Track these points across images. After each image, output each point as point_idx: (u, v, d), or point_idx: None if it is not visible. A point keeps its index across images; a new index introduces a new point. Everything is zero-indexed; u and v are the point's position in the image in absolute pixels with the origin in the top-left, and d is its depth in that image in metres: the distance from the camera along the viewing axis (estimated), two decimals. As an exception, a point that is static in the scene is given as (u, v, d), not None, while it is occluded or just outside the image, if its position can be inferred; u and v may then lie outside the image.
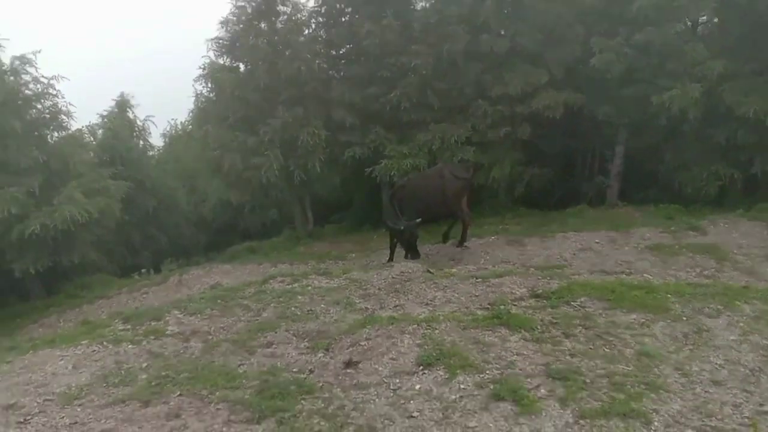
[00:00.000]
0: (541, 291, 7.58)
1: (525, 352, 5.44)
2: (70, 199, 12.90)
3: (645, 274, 8.83)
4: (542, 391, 4.63)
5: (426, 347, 5.63)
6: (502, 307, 6.98)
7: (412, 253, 10.92)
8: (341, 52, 15.24)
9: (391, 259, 11.55)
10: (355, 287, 8.69)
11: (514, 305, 7.19)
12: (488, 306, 7.23)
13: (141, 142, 30.39)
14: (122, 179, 19.88)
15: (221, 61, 15.06)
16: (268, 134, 13.56)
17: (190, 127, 31.26)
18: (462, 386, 4.80)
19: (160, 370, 6.26)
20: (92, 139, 21.09)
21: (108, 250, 19.95)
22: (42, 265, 13.39)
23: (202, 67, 15.01)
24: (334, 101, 14.08)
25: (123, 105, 30.50)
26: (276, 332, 6.99)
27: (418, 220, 10.77)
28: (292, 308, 7.77)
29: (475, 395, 4.65)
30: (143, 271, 23.57)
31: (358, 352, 5.87)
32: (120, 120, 29.40)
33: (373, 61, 14.09)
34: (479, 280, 8.53)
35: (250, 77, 13.81)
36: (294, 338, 6.83)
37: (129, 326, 7.76)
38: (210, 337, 7.07)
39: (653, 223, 11.98)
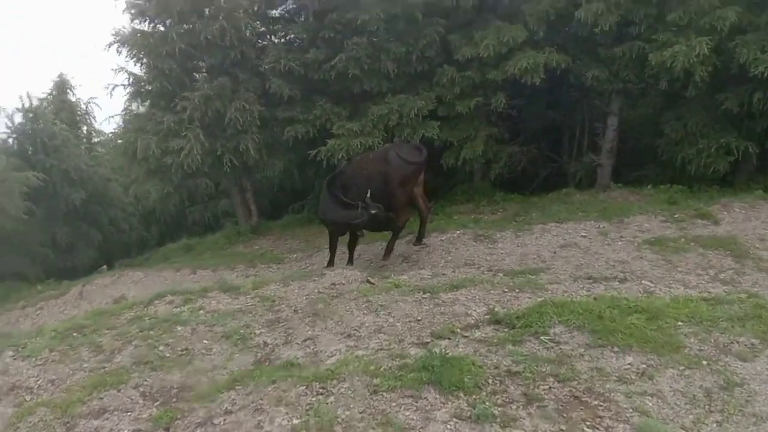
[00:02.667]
0: (503, 314, 5.67)
1: (456, 444, 3.53)
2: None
3: (644, 281, 6.94)
4: None
5: (303, 434, 3.71)
6: (443, 342, 5.10)
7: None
8: (276, 13, 13.09)
9: (331, 262, 9.62)
10: (264, 309, 6.76)
11: (464, 337, 5.32)
12: (428, 340, 5.33)
13: (84, 128, 28.22)
14: (43, 169, 17.90)
15: (136, 25, 12.90)
16: (187, 110, 11.48)
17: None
18: None
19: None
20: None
21: (30, 252, 17.95)
22: None
23: (114, 33, 12.86)
24: (268, 69, 11.99)
25: (62, 86, 28.21)
26: (120, 389, 5.04)
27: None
28: (161, 347, 5.82)
29: None
30: (102, 268, 21.55)
31: (205, 438, 3.95)
32: (57, 103, 27.18)
33: (314, 19, 11.99)
34: (427, 294, 6.65)
35: (164, 41, 11.68)
36: (141, 400, 4.88)
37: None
38: (29, 397, 5.12)
39: (653, 210, 10.07)
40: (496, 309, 5.89)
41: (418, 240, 9.98)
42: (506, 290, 6.60)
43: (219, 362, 5.48)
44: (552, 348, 4.79)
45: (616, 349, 4.63)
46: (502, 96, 11.93)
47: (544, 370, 4.44)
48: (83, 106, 28.61)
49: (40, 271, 18.33)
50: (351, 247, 9.70)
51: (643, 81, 12.03)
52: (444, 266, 8.73)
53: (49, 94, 27.94)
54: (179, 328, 6.25)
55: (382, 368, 4.68)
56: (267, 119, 12.49)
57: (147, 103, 13.58)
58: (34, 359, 5.79)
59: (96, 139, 29.19)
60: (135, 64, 12.98)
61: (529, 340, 4.99)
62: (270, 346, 5.77)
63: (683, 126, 11.74)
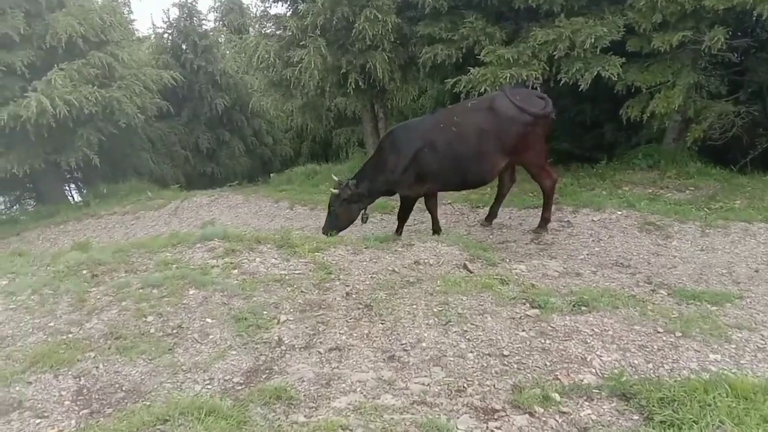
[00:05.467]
0: (638, 383, 3.50)
1: None
2: (49, 86, 10.54)
3: None
4: None
5: None
6: (520, 419, 3.15)
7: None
8: None
9: (436, 230, 7.72)
10: (311, 284, 5.19)
11: (561, 414, 3.31)
12: (500, 405, 3.39)
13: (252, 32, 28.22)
14: (191, 70, 17.80)
15: None
16: (309, 15, 9.94)
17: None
18: None
19: None
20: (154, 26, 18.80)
21: (170, 154, 18.21)
22: (32, 165, 11.43)
23: None
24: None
25: (232, -15, 28.23)
26: (59, 374, 3.81)
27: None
28: (151, 317, 4.50)
29: None
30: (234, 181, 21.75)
31: None
32: (227, 4, 27.28)
33: None
34: (536, 311, 4.61)
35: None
36: (69, 401, 3.60)
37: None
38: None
39: None
40: (628, 369, 3.71)
41: (489, 218, 8.06)
42: (661, 329, 4.32)
43: (204, 358, 4.02)
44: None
45: None
46: (721, 32, 8.77)
47: None
48: (254, 10, 28.57)
49: (179, 174, 18.64)
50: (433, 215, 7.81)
51: None
52: (584, 261, 6.47)
53: (221, -8, 28.10)
54: (191, 292, 4.90)
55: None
56: (404, 35, 10.58)
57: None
58: (11, 300, 4.79)
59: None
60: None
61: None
62: (284, 347, 4.19)
63: None
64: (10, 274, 5.35)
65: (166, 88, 15.73)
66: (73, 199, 16.17)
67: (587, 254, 6.71)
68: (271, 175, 21.13)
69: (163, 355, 4.05)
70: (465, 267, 5.70)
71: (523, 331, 4.31)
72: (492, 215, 7.94)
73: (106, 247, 6.37)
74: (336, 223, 7.22)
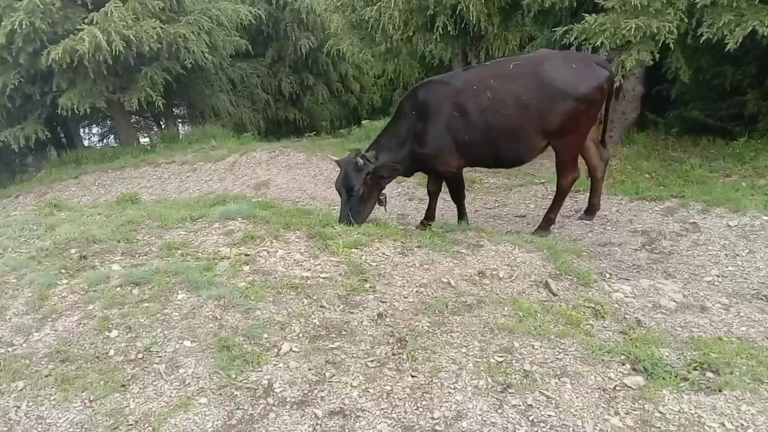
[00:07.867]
0: None
1: None
2: (106, 19, 9.75)
3: None
4: None
5: None
6: None
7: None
8: None
9: (428, 217, 6.34)
10: (334, 295, 4.06)
11: None
12: None
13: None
14: (276, 5, 16.84)
15: None
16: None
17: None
18: None
19: None
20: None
21: (251, 96, 17.46)
22: (93, 104, 10.87)
23: None
24: None
25: None
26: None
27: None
28: (116, 331, 3.56)
29: None
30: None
31: None
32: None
33: None
34: (637, 377, 3.39)
35: None
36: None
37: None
38: None
39: None
40: None
41: (589, 211, 6.46)
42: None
43: (159, 406, 3.03)
44: None
45: None
46: None
47: None
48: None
49: (259, 119, 17.94)
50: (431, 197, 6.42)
51: None
52: (712, 285, 4.88)
53: None
54: (179, 297, 3.89)
55: None
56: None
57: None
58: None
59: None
60: None
61: None
62: (271, 399, 3.10)
63: None
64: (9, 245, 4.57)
65: (251, 25, 14.82)
66: (150, 140, 15.92)
67: (717, 275, 5.10)
68: (363, 121, 20.10)
69: (110, 395, 3.07)
70: (546, 286, 4.36)
71: (617, 415, 2.98)
72: (592, 208, 6.41)
73: (123, 215, 5.45)
74: (363, 207, 5.67)
